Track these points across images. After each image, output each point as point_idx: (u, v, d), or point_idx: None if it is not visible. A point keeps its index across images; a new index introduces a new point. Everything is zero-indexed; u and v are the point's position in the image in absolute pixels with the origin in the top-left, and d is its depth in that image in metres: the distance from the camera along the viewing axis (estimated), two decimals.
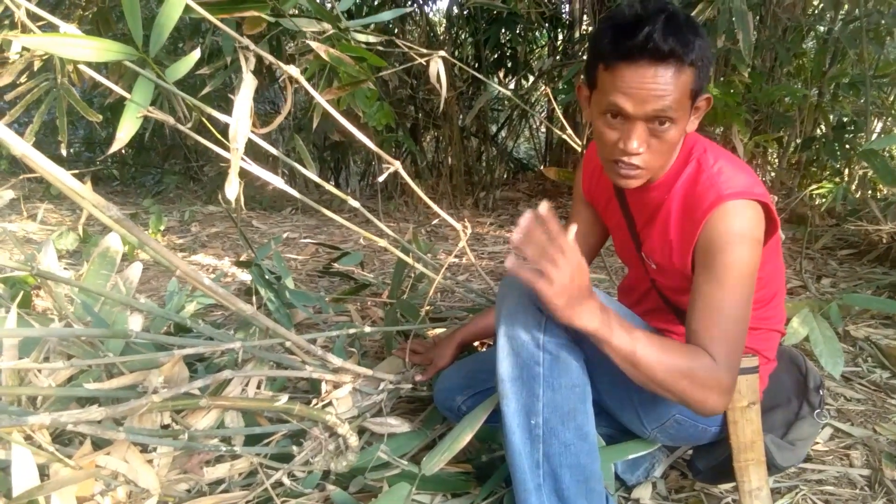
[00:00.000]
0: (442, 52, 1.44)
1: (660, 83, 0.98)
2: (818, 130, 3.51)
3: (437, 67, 1.44)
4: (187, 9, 1.15)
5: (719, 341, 1.03)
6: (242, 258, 3.16)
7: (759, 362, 1.20)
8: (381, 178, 1.36)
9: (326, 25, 1.41)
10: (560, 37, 4.68)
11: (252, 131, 1.20)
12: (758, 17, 3.12)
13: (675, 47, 0.96)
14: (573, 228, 0.95)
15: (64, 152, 1.64)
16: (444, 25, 4.78)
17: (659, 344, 1.00)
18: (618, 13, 1.02)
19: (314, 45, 1.36)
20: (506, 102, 5.23)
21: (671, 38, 0.95)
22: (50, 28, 1.29)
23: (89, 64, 1.51)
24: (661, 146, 1.05)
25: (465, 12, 4.31)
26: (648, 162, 1.06)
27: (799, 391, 1.33)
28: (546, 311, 1.06)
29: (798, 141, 3.43)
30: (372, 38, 1.62)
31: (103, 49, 1.10)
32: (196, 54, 1.16)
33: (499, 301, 1.14)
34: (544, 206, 0.93)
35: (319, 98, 1.30)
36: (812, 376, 1.33)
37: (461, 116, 4.42)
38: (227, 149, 1.33)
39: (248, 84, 1.01)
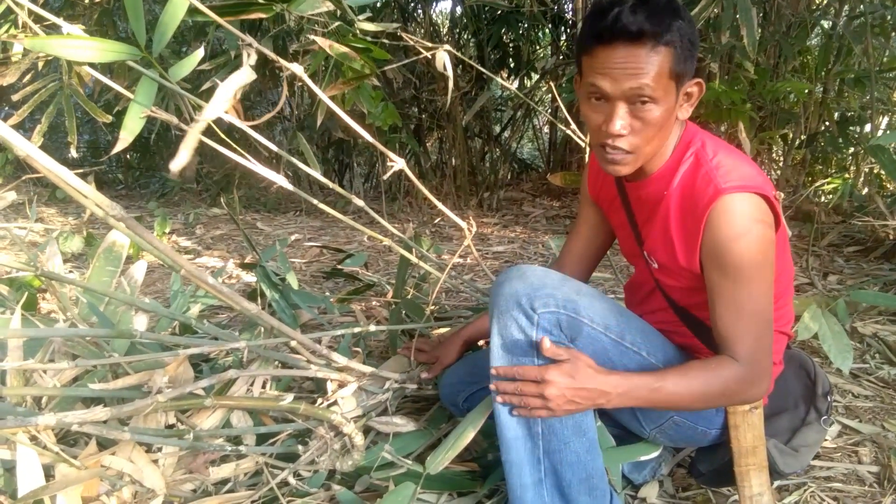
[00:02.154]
0: (447, 46, 1.44)
1: (633, 62, 0.99)
2: (822, 126, 3.50)
3: (443, 59, 1.43)
4: (192, 11, 1.16)
5: (745, 337, 1.06)
6: (247, 260, 3.17)
7: None
8: (386, 176, 1.36)
9: (329, 5, 1.41)
10: (563, 36, 4.68)
11: (250, 126, 1.20)
12: (761, 14, 3.12)
13: (644, 26, 0.97)
14: (546, 342, 1.04)
15: (74, 153, 1.65)
16: (446, 27, 4.79)
17: (685, 376, 1.07)
18: (599, 1, 1.04)
19: (319, 39, 1.35)
20: (509, 103, 5.23)
21: (640, 17, 0.97)
22: (53, 28, 1.29)
23: (94, 66, 1.51)
24: (644, 128, 1.04)
25: (469, 8, 4.31)
26: (634, 145, 1.06)
27: (807, 396, 1.31)
28: (538, 311, 1.08)
29: (803, 137, 3.42)
30: (378, 28, 1.61)
31: (106, 49, 1.10)
32: (200, 53, 1.16)
33: (491, 300, 1.13)
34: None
35: (324, 97, 1.30)
36: (821, 382, 1.31)
37: (464, 116, 4.42)
38: (232, 150, 1.33)
39: (244, 74, 1.01)
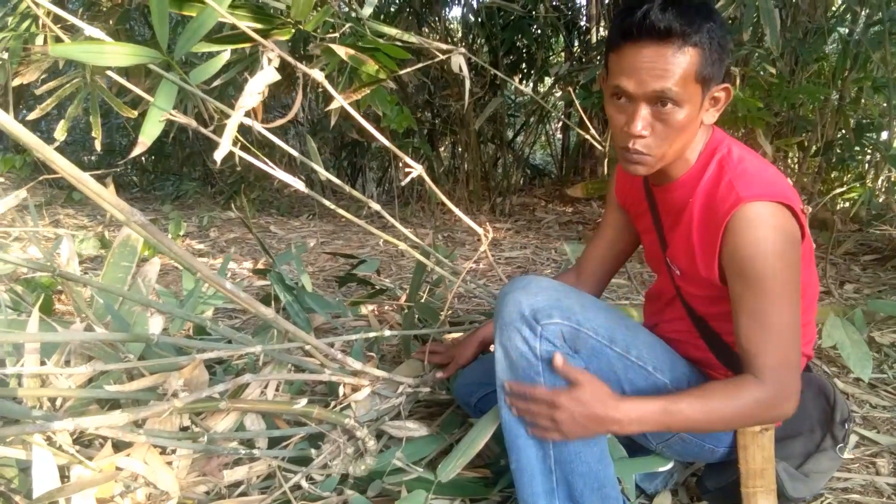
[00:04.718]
0: (462, 49, 1.44)
1: (659, 62, 0.97)
2: (839, 134, 3.46)
3: (458, 61, 1.44)
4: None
5: (768, 352, 1.02)
6: (260, 263, 3.18)
7: None
8: (404, 182, 1.36)
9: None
10: (577, 42, 4.68)
11: (265, 127, 1.21)
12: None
13: (672, 24, 0.95)
14: (559, 357, 1.04)
15: (98, 147, 1.66)
16: (460, 33, 4.80)
17: (702, 399, 1.03)
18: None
19: (335, 47, 1.36)
20: (522, 109, 5.23)
21: (670, 15, 0.95)
22: (73, 29, 1.30)
23: (111, 68, 1.52)
24: (666, 130, 1.02)
25: (478, 19, 4.32)
26: (654, 147, 1.04)
27: (824, 422, 1.27)
28: (541, 322, 1.07)
29: (819, 145, 3.39)
30: (390, 30, 1.61)
31: (128, 53, 1.11)
32: (226, 56, 1.17)
33: (496, 311, 1.13)
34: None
35: (342, 100, 1.30)
36: (840, 408, 1.27)
37: (477, 122, 4.43)
38: (248, 151, 1.34)
39: (269, 73, 1.02)
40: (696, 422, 1.04)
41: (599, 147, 1.99)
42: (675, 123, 1.01)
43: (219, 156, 1.04)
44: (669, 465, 1.30)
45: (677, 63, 0.97)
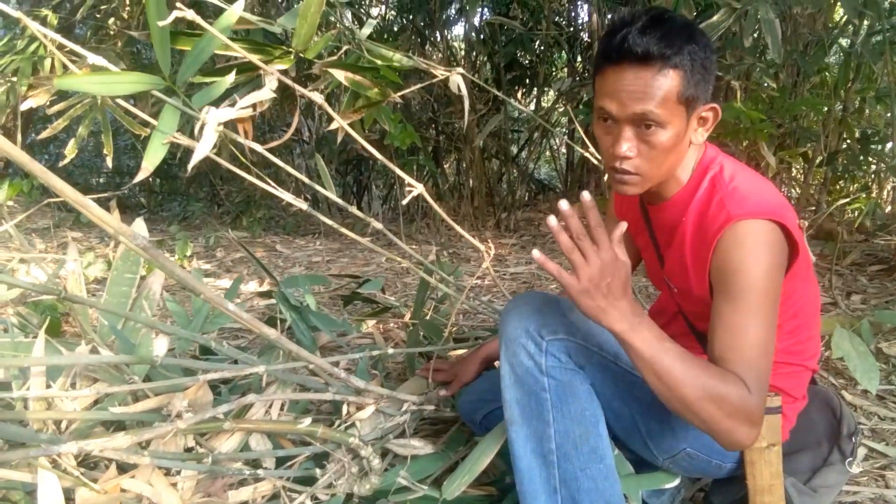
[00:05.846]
0: (460, 69, 1.46)
1: (639, 85, 0.97)
2: (844, 145, 3.46)
3: (457, 81, 1.45)
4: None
5: (746, 368, 0.97)
6: (266, 283, 3.19)
7: (782, 401, 1.14)
8: (405, 202, 1.37)
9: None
10: (579, 58, 4.71)
11: (266, 148, 1.22)
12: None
13: (651, 48, 0.96)
14: (623, 226, 0.93)
15: (110, 164, 1.68)
16: (462, 50, 4.84)
17: (691, 360, 0.94)
18: (614, 20, 1.04)
19: (334, 71, 1.38)
20: (526, 124, 5.26)
21: (649, 38, 0.96)
22: (79, 57, 1.32)
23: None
24: (651, 151, 1.02)
25: (481, 36, 4.35)
26: (640, 167, 1.04)
27: (831, 435, 1.26)
28: (546, 338, 1.05)
29: (823, 156, 3.39)
30: (389, 53, 1.63)
31: (132, 82, 1.13)
32: (230, 79, 1.18)
33: (500, 327, 1.13)
34: (587, 195, 0.92)
35: (344, 124, 1.31)
36: (847, 422, 1.26)
37: (478, 138, 4.46)
38: (251, 173, 1.35)
39: (263, 91, 1.04)
40: (673, 372, 0.93)
41: (598, 163, 2.00)
42: (659, 145, 1.02)
43: (193, 162, 1.06)
44: (676, 482, 1.29)
45: (657, 85, 0.97)
